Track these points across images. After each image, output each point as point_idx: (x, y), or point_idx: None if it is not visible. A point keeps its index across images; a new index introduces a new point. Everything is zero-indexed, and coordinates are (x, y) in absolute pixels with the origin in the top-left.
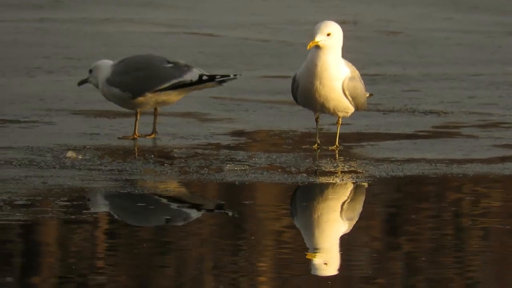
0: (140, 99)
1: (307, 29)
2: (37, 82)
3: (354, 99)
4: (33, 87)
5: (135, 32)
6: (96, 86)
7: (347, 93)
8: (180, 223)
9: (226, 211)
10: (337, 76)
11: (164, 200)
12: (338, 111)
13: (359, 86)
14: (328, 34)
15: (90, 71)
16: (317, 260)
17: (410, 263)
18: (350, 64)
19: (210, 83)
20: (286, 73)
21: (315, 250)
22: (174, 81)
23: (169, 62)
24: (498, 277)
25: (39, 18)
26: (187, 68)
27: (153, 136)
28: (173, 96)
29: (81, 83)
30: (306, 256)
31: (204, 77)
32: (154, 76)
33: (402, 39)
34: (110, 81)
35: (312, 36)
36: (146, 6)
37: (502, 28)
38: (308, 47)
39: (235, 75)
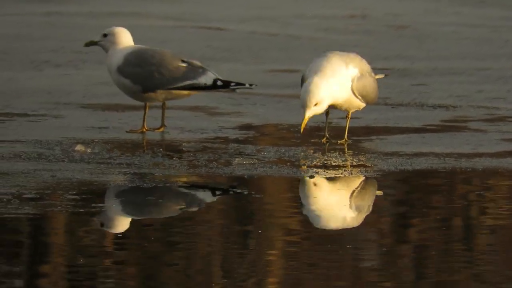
0: (151, 94)
1: (315, 23)
2: (45, 76)
3: (364, 97)
4: (41, 80)
5: (143, 26)
6: (106, 50)
7: (356, 93)
8: (188, 219)
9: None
10: (344, 85)
11: (173, 193)
12: (351, 108)
13: (368, 83)
14: (316, 104)
15: (105, 35)
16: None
17: (418, 258)
18: (358, 59)
19: (223, 89)
20: (294, 67)
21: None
22: (188, 82)
23: (183, 61)
24: (505, 271)
25: (46, 12)
26: (202, 70)
27: (161, 129)
28: (183, 95)
29: (89, 44)
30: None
31: (219, 83)
32: (167, 75)
33: (410, 33)
34: (121, 70)
35: (301, 109)
36: (153, 0)
37: (509, 22)
38: (301, 130)
39: (250, 85)
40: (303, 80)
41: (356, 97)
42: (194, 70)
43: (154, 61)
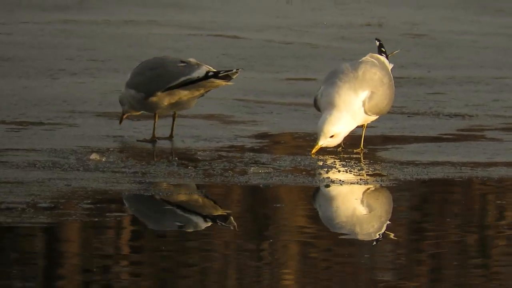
0: (153, 99)
1: (331, 31)
2: (60, 84)
3: (378, 113)
4: (57, 89)
5: (160, 34)
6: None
7: (369, 113)
8: (201, 229)
9: (227, 224)
10: (358, 112)
11: (186, 205)
12: (367, 122)
13: (380, 100)
14: (332, 136)
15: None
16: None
17: (435, 267)
18: (368, 67)
19: (218, 81)
20: (310, 76)
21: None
22: (183, 78)
23: (182, 62)
24: None
25: (63, 20)
26: (197, 66)
27: (168, 139)
28: (184, 96)
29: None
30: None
31: (210, 73)
32: (164, 75)
33: (427, 42)
34: (128, 84)
35: (315, 138)
36: (171, 8)
37: None
38: (312, 155)
39: (237, 69)
40: (316, 101)
41: (370, 116)
42: (189, 67)
43: (154, 66)
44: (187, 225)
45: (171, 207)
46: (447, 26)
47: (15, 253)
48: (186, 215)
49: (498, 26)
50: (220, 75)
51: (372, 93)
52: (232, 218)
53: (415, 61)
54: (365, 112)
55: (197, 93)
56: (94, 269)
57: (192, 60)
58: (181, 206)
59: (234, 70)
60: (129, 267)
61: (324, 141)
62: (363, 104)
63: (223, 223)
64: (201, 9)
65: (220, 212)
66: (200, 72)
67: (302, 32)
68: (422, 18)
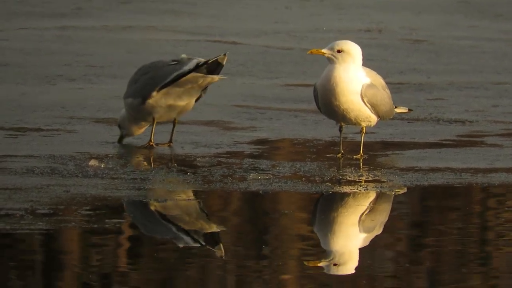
0: (150, 101)
1: (331, 37)
2: (59, 90)
3: (374, 107)
4: (55, 95)
5: (158, 40)
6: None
7: (365, 100)
8: (201, 239)
9: (215, 250)
10: (353, 90)
11: (185, 211)
12: (360, 120)
13: (380, 94)
14: (339, 51)
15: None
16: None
17: (434, 275)
18: (374, 73)
19: (211, 76)
20: (309, 81)
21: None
22: (175, 73)
23: (173, 61)
24: None
25: (61, 26)
26: (188, 60)
27: (167, 145)
28: (181, 94)
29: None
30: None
31: (200, 63)
32: (156, 76)
33: (426, 47)
34: (125, 95)
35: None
36: (169, 14)
37: None
38: (308, 51)
39: (224, 54)
40: (315, 90)
41: (366, 105)
42: (180, 64)
43: (147, 70)
44: (177, 241)
45: (164, 222)
46: (446, 31)
47: (14, 260)
48: (178, 232)
49: (497, 31)
50: (209, 62)
51: (372, 84)
52: (222, 245)
53: (414, 67)
54: (361, 97)
55: (193, 92)
56: (89, 276)
57: (183, 56)
58: (173, 222)
59: (222, 55)
60: (127, 274)
61: (328, 51)
62: (362, 87)
63: (212, 248)
64: (199, 15)
65: (213, 228)
66: (190, 65)
67: (301, 37)
68: (421, 24)
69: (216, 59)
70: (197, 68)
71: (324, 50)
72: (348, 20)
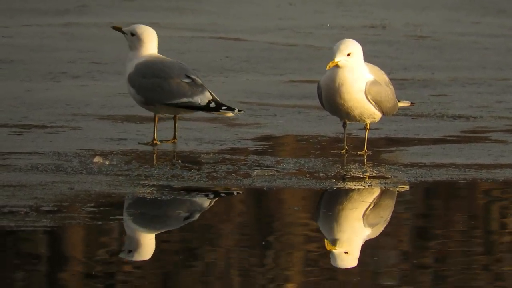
0: (151, 107)
1: (335, 33)
2: (63, 87)
3: (378, 104)
4: (59, 92)
5: (162, 37)
6: (129, 48)
7: (369, 97)
8: (206, 233)
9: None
10: (357, 88)
11: (189, 205)
12: (364, 117)
13: (383, 90)
14: (349, 54)
15: (132, 34)
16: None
17: (440, 271)
18: (377, 69)
19: (215, 112)
20: (313, 78)
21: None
22: (185, 99)
23: (188, 77)
24: None
25: (65, 23)
26: (202, 89)
27: (171, 141)
28: (183, 113)
29: (116, 29)
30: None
31: (212, 104)
32: (166, 90)
33: (430, 44)
34: (130, 79)
35: (331, 56)
36: (173, 11)
37: None
38: (327, 67)
39: (239, 111)
40: (318, 88)
41: (370, 102)
42: (193, 88)
43: (159, 74)
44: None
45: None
46: (450, 27)
47: (18, 257)
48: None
49: (500, 27)
50: (221, 110)
51: (376, 81)
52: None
53: (418, 63)
54: (365, 94)
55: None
56: (93, 272)
57: (198, 79)
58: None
59: (236, 111)
60: (131, 270)
61: (341, 58)
62: (366, 84)
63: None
64: (202, 12)
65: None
66: (202, 99)
67: (305, 34)
68: (424, 20)
69: (228, 107)
70: (207, 109)
71: (336, 59)
72: (352, 16)
